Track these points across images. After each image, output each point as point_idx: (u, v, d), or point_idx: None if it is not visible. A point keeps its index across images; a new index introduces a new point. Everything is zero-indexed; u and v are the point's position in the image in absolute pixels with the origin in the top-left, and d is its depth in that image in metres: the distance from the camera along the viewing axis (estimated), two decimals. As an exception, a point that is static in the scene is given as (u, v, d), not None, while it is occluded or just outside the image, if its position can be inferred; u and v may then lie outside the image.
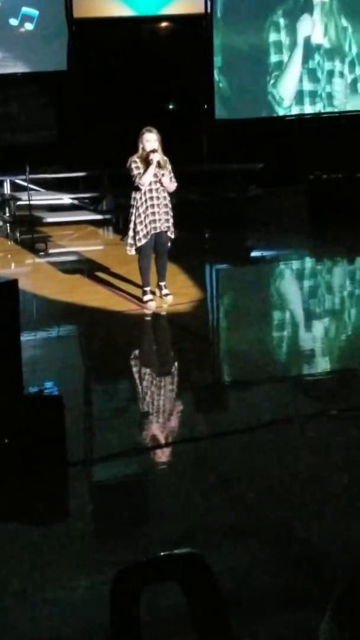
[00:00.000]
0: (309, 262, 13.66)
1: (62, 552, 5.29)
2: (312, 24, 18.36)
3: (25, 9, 16.95)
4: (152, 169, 10.08)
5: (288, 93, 18.64)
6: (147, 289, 10.52)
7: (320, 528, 5.45)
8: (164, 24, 18.53)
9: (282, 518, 5.62)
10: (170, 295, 10.64)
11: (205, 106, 18.21)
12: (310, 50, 18.47)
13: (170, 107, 18.42)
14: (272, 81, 18.45)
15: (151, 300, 10.48)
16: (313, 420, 7.30)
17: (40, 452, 6.26)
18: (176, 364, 9.12)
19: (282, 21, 18.25)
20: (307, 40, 18.43)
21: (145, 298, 10.49)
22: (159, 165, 10.11)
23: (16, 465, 6.19)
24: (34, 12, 17.02)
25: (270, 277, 12.97)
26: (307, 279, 12.90)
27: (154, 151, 10.08)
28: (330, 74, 18.74)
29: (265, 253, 14.50)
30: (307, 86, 18.65)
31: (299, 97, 18.66)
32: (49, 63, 17.12)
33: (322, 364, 9.12)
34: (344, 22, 18.59)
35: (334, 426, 7.17)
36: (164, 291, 10.64)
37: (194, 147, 17.30)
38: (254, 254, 14.59)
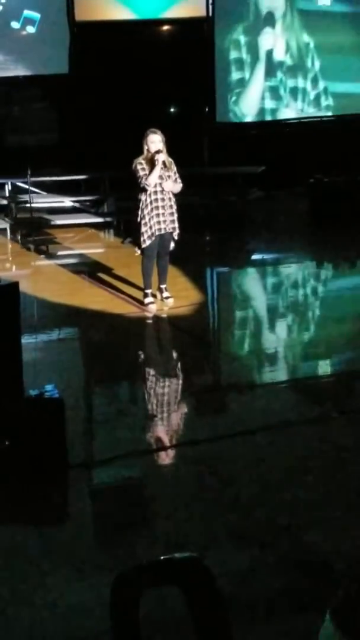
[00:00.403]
0: (309, 266, 13.65)
1: (61, 554, 5.29)
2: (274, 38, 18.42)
3: (27, 12, 16.97)
4: (158, 169, 10.10)
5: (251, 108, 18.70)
6: (149, 291, 10.53)
7: (321, 531, 5.45)
8: (165, 28, 18.54)
9: (283, 521, 5.62)
10: (171, 298, 10.65)
11: (207, 109, 18.23)
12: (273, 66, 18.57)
13: (172, 110, 18.44)
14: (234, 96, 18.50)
15: (152, 303, 10.49)
16: (314, 423, 7.31)
17: (41, 455, 6.26)
18: (177, 367, 9.13)
19: (242, 38, 18.30)
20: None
21: (146, 301, 10.50)
22: (164, 165, 10.15)
23: (17, 467, 6.19)
24: (36, 15, 17.03)
25: (270, 280, 12.98)
26: (307, 282, 12.89)
27: (158, 152, 10.11)
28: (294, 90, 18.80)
29: (266, 256, 14.50)
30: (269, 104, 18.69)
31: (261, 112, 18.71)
32: (51, 66, 17.13)
33: (323, 367, 9.13)
34: (306, 38, 18.61)
35: (336, 429, 7.17)
36: (165, 294, 10.65)
37: (195, 150, 17.31)
38: (254, 257, 14.59)
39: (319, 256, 13.85)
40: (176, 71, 17.52)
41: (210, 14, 17.89)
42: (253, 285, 12.82)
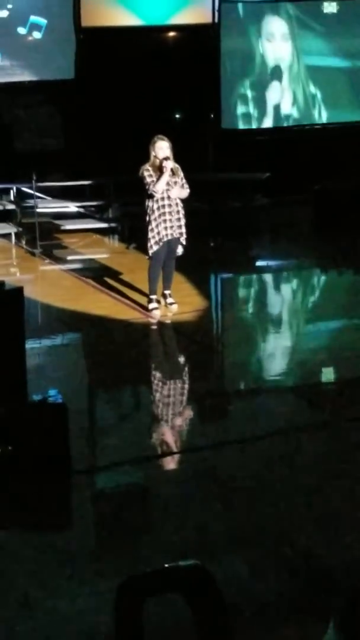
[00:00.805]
0: (313, 273, 13.66)
1: (64, 560, 5.29)
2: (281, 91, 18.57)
3: (33, 18, 17.00)
4: (166, 176, 10.13)
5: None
6: (153, 297, 10.54)
7: (322, 539, 5.45)
8: (171, 34, 18.57)
9: (284, 529, 5.62)
10: (175, 304, 10.65)
11: (212, 115, 18.25)
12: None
13: (177, 116, 18.46)
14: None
15: (156, 308, 10.49)
16: (316, 431, 7.30)
17: (44, 460, 6.27)
18: (180, 372, 9.12)
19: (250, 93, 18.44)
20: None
21: (151, 306, 10.51)
22: (172, 172, 10.18)
23: (20, 472, 6.20)
24: (42, 21, 17.07)
25: (274, 287, 12.98)
26: (311, 289, 12.90)
27: (166, 159, 10.14)
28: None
29: (270, 262, 14.50)
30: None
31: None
32: (57, 71, 17.16)
33: (326, 375, 9.13)
34: (312, 89, 18.73)
35: (337, 437, 7.16)
36: (169, 300, 10.65)
37: (200, 156, 17.33)
38: (259, 263, 14.59)
39: (323, 263, 13.85)
40: (182, 77, 17.55)
41: (217, 20, 17.92)
42: (257, 291, 12.81)
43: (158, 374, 9.07)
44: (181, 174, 10.37)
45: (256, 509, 5.88)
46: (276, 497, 6.06)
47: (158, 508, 6.12)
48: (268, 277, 13.47)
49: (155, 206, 10.24)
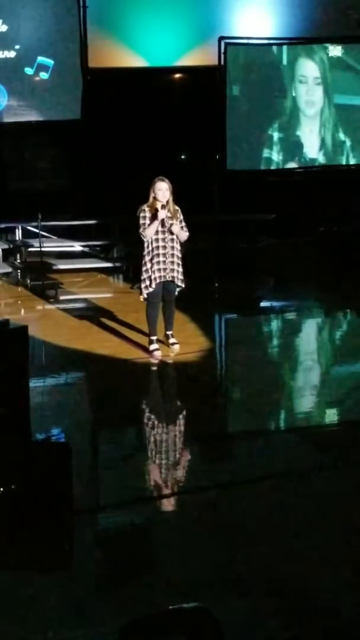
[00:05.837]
0: (318, 314, 13.66)
1: (64, 601, 5.24)
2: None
3: (40, 59, 17.15)
4: (155, 225, 10.11)
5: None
6: (154, 338, 10.52)
7: (326, 581, 5.41)
8: (177, 75, 18.72)
9: (288, 570, 5.57)
10: (178, 344, 10.64)
11: (217, 157, 18.34)
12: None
13: (183, 157, 18.56)
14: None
15: (157, 349, 10.47)
16: (321, 473, 7.27)
17: (46, 500, 6.23)
18: (183, 413, 9.10)
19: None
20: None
21: (152, 347, 10.49)
22: (162, 224, 10.15)
23: (22, 512, 6.16)
24: (49, 61, 17.22)
25: (279, 328, 12.98)
26: (316, 330, 12.89)
27: (163, 206, 10.13)
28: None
29: (275, 304, 14.51)
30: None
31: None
32: (63, 112, 17.29)
33: (331, 416, 9.09)
34: (342, 136, 18.87)
35: (342, 479, 7.13)
36: (171, 340, 10.64)
37: (205, 197, 17.40)
38: (263, 304, 14.60)
39: (328, 304, 13.86)
40: (187, 118, 17.67)
41: (222, 62, 18.05)
42: (261, 332, 12.81)
43: (161, 414, 9.03)
44: (180, 217, 10.35)
45: (259, 551, 5.83)
46: (281, 539, 6.01)
47: (160, 548, 6.07)
48: (273, 318, 13.47)
49: (150, 248, 10.25)
